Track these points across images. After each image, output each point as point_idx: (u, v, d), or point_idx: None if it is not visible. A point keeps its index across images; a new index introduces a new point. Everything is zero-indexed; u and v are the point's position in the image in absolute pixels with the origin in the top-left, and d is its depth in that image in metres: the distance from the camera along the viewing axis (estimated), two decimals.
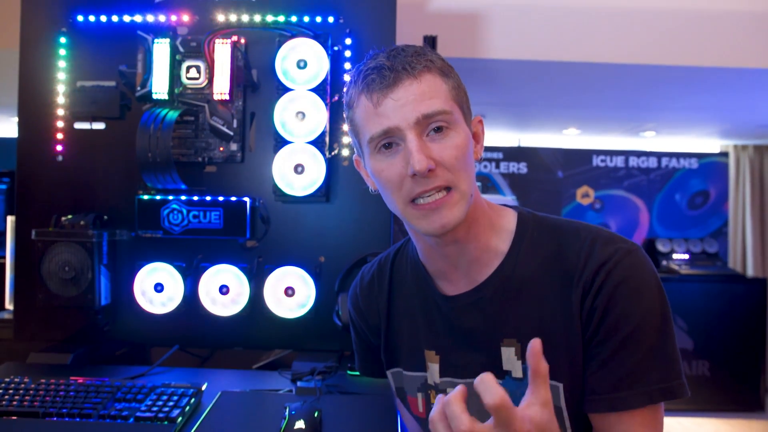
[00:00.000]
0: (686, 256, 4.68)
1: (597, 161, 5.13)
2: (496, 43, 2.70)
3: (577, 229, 0.86)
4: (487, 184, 5.07)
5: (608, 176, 5.13)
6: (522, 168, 5.10)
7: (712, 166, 5.20)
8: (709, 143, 5.42)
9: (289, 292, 1.51)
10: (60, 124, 1.56)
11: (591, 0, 2.67)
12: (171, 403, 1.13)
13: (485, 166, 5.10)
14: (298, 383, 1.31)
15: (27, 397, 1.14)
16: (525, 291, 0.86)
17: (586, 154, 5.14)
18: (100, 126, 1.56)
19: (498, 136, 5.42)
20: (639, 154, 5.15)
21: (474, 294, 0.88)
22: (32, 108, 1.58)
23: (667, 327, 0.80)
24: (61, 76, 1.56)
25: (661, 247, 4.83)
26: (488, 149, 5.12)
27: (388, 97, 0.79)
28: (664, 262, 4.68)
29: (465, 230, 0.84)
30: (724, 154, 5.28)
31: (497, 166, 5.11)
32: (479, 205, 0.86)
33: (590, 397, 0.80)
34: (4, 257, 2.10)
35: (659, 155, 5.16)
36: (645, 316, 0.79)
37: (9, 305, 2.01)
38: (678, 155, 5.16)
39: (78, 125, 1.56)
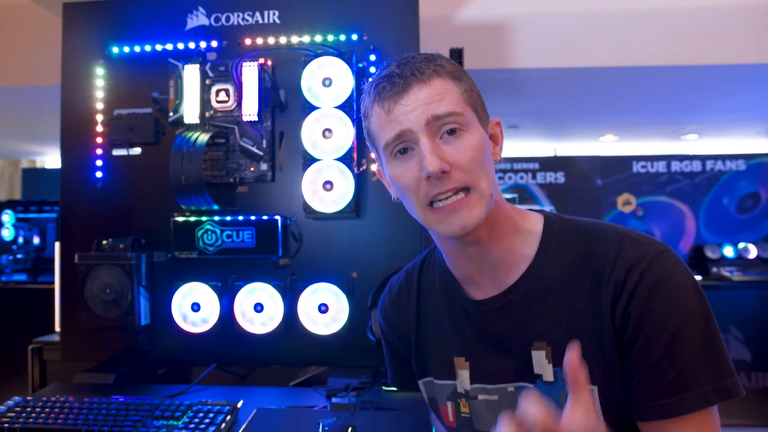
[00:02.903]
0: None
1: (637, 167, 4.99)
2: (524, 52, 2.68)
3: (605, 230, 0.84)
4: (524, 195, 5.01)
5: (650, 182, 4.98)
6: (559, 177, 5.01)
7: (762, 167, 4.99)
8: (756, 143, 5.21)
9: (323, 308, 1.51)
10: (99, 151, 1.63)
11: (622, 3, 2.62)
12: (207, 421, 1.15)
13: (521, 177, 5.03)
14: (333, 399, 1.31)
15: (71, 416, 1.18)
16: (554, 294, 0.84)
17: (626, 161, 5.02)
18: (136, 152, 1.62)
19: (533, 146, 5.35)
20: (681, 158, 4.99)
21: (502, 298, 0.87)
22: (74, 138, 1.65)
23: (711, 324, 0.76)
24: (100, 105, 1.63)
25: (710, 253, 4.65)
26: (524, 160, 5.05)
27: (399, 103, 0.79)
28: (714, 269, 4.49)
29: (487, 232, 0.83)
30: None
31: (534, 177, 5.04)
32: (501, 208, 0.85)
33: (641, 406, 0.77)
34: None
35: (703, 158, 4.98)
36: (686, 315, 0.75)
37: (58, 328, 2.09)
38: (724, 157, 4.98)
39: (116, 152, 1.63)
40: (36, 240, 4.61)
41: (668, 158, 5.00)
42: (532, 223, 0.88)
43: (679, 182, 4.98)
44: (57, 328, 2.09)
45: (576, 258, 0.84)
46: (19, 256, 4.56)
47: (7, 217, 4.57)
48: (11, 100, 3.39)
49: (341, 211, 1.51)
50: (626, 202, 4.99)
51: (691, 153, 5.07)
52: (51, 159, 5.81)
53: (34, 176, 5.48)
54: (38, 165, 5.87)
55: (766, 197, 4.97)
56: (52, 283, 2.25)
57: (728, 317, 3.95)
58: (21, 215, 4.61)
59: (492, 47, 2.68)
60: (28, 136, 4.51)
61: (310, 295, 1.52)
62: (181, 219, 1.55)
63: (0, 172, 5.58)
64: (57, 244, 2.10)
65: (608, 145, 5.22)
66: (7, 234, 4.54)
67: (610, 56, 2.70)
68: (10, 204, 4.62)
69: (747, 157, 4.99)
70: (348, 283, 1.54)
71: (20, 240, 4.54)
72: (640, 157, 5.02)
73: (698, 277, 4.25)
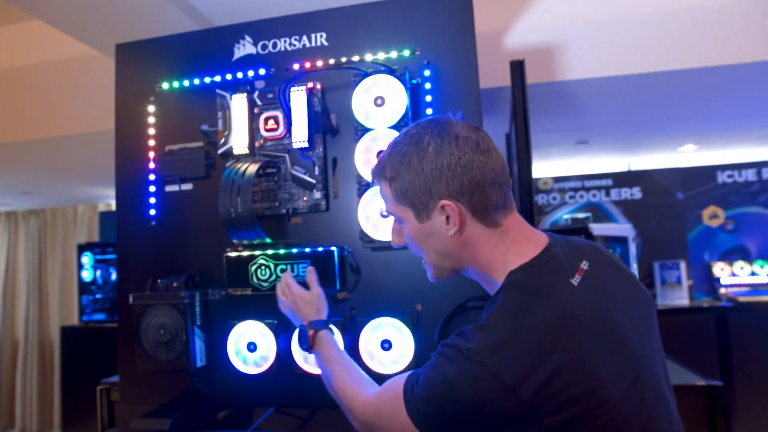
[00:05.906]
0: None
1: (723, 177, 4.61)
2: (584, 63, 2.50)
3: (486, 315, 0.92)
4: (599, 213, 4.71)
5: (739, 192, 4.57)
6: (636, 193, 4.70)
7: None
8: None
9: (386, 345, 1.39)
10: (152, 188, 1.60)
11: (691, 1, 2.41)
12: None
13: (594, 195, 4.75)
14: None
15: None
16: None
17: (709, 171, 4.64)
18: (188, 187, 1.58)
19: (604, 162, 5.06)
20: None
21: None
22: (128, 177, 1.63)
23: (432, 377, 0.90)
24: (152, 142, 1.61)
25: None
26: (596, 176, 4.78)
27: None
28: None
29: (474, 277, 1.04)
30: None
31: (607, 194, 4.75)
32: (477, 269, 1.00)
33: None
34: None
35: None
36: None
37: None
38: None
39: (168, 188, 1.59)
40: (113, 279, 4.76)
41: (758, 165, 4.58)
42: (502, 279, 0.96)
43: None
44: None
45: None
46: (98, 296, 4.73)
47: (87, 258, 4.76)
48: (87, 146, 3.53)
49: None
50: (713, 216, 4.60)
51: None
52: None
53: (110, 218, 5.72)
54: (114, 208, 6.12)
55: None
56: None
57: None
58: (99, 257, 4.79)
59: (550, 60, 2.52)
60: (104, 181, 4.70)
61: (372, 330, 1.40)
62: (233, 254, 1.48)
63: (80, 216, 5.85)
64: None
65: (688, 155, 4.86)
66: (87, 275, 4.73)
67: (679, 58, 2.48)
68: (88, 246, 4.82)
69: None
70: (413, 317, 1.41)
71: (99, 280, 4.72)
72: (726, 166, 4.63)
73: None
